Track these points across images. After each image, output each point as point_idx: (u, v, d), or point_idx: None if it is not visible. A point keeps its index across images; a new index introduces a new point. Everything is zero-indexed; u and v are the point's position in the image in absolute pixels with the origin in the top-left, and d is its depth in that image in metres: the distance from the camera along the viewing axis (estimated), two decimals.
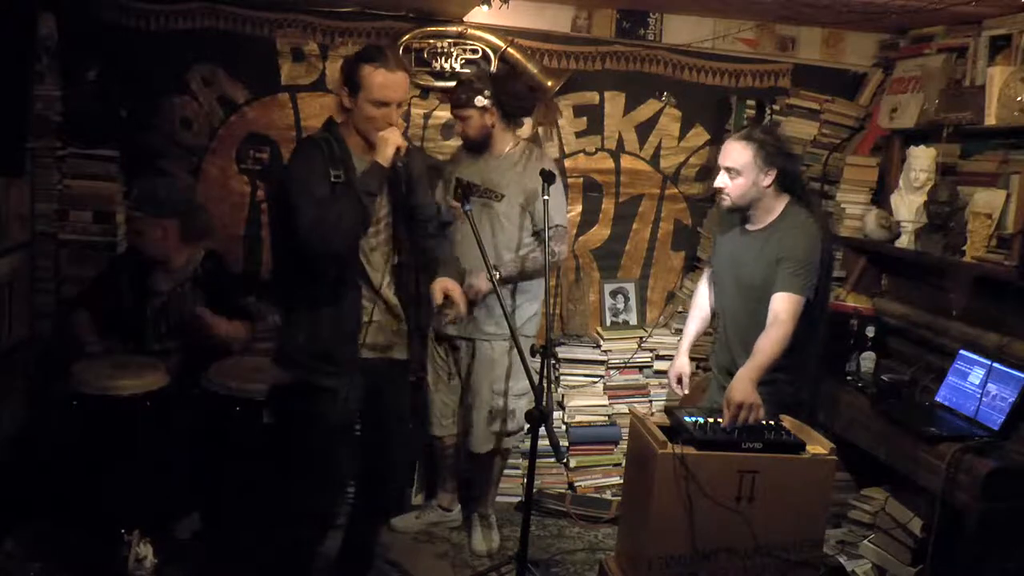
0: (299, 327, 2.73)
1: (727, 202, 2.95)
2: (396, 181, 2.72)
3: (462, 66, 3.92)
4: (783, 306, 2.81)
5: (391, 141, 2.58)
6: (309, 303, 2.70)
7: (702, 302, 3.25)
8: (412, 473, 3.91)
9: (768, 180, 2.88)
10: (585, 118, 4.14)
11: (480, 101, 3.44)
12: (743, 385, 2.69)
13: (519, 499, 4.01)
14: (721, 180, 2.94)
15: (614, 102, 4.15)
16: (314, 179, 2.59)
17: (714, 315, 3.23)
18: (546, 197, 3.30)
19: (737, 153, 2.88)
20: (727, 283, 3.07)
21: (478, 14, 3.83)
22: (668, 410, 2.93)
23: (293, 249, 2.63)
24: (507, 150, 3.54)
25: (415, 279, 2.83)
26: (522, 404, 3.59)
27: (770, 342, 2.77)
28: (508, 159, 3.53)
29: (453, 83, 3.71)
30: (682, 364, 3.14)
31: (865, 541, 3.37)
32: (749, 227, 2.99)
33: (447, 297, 2.72)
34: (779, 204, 2.94)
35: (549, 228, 3.39)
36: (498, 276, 3.34)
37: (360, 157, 2.66)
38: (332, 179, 2.59)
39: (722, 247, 3.11)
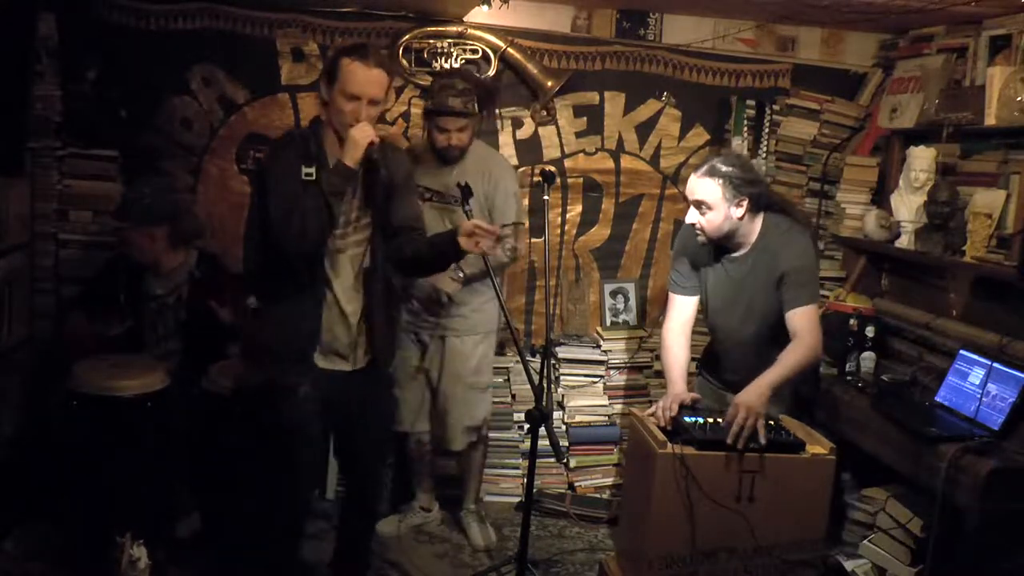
0: (262, 324, 2.71)
1: (701, 237, 2.91)
2: (374, 183, 2.66)
3: (462, 66, 3.92)
4: (802, 322, 2.82)
5: (360, 143, 2.51)
6: (272, 300, 2.68)
7: (678, 352, 3.04)
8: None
9: (741, 211, 2.84)
10: (585, 118, 4.14)
11: (473, 107, 3.38)
12: (757, 395, 2.67)
13: (519, 499, 4.01)
14: (693, 216, 2.89)
15: (614, 102, 4.15)
16: (284, 175, 2.55)
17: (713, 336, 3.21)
18: (546, 197, 3.30)
19: (703, 188, 2.83)
20: (728, 315, 3.02)
21: (478, 14, 3.83)
22: None
23: (263, 244, 2.62)
24: (471, 148, 3.49)
25: (384, 285, 2.78)
26: (487, 397, 3.65)
27: (797, 357, 2.78)
28: (472, 156, 3.49)
29: (428, 87, 3.53)
30: (682, 390, 2.94)
31: (865, 541, 3.37)
32: (734, 254, 2.95)
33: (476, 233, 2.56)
34: (756, 224, 2.92)
35: (507, 225, 3.47)
36: (462, 276, 3.39)
37: (334, 155, 2.60)
38: (304, 176, 2.55)
39: (707, 279, 3.04)
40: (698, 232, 2.91)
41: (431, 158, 3.49)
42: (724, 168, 2.83)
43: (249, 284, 3.48)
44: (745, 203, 2.84)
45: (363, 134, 2.52)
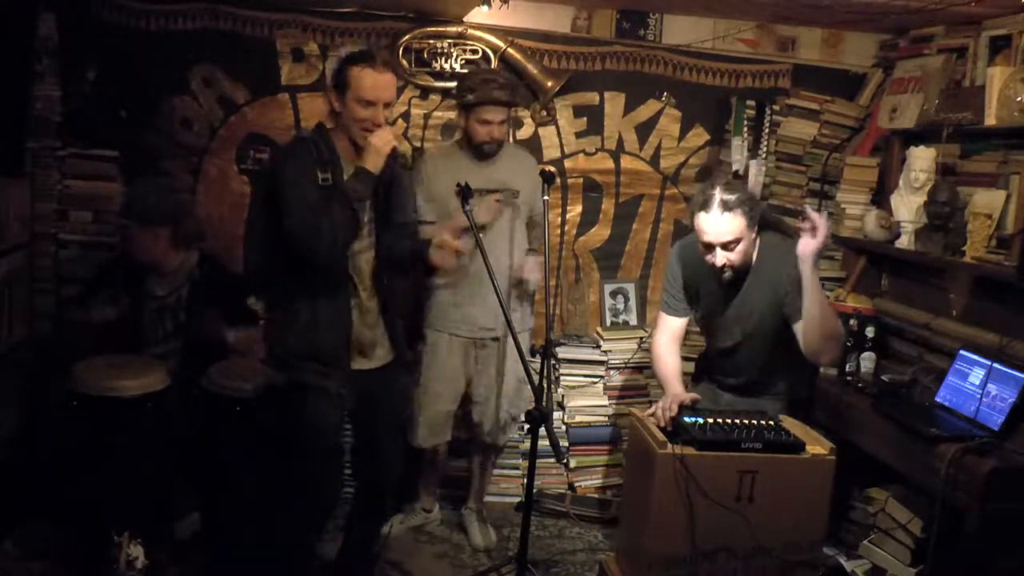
0: (289, 327, 2.72)
1: (730, 273, 2.87)
2: (378, 184, 2.69)
3: (462, 66, 3.92)
4: None
5: (382, 150, 2.56)
6: (299, 302, 2.69)
7: (670, 361, 3.06)
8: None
9: (755, 232, 2.86)
10: (585, 118, 4.14)
11: (514, 99, 3.42)
12: None
13: (519, 499, 4.01)
14: (721, 257, 2.82)
15: (614, 102, 4.15)
16: (301, 182, 2.57)
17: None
18: (545, 198, 3.30)
19: (730, 225, 2.78)
20: (727, 333, 3.03)
21: (478, 14, 3.83)
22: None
23: (283, 249, 2.62)
24: (505, 145, 3.52)
25: (390, 285, 2.83)
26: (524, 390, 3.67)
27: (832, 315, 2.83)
28: (509, 152, 3.54)
29: (462, 84, 3.52)
30: (681, 391, 2.96)
31: (865, 541, 3.37)
32: (729, 274, 2.93)
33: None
34: (756, 243, 2.93)
35: (538, 214, 3.52)
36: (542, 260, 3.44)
37: (348, 161, 2.64)
38: (320, 182, 2.58)
39: (705, 302, 3.04)
40: (727, 269, 2.85)
41: (466, 157, 3.47)
42: (732, 197, 2.78)
43: (249, 284, 3.51)
44: (757, 223, 2.85)
45: (384, 141, 2.57)
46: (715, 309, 3.03)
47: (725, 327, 3.02)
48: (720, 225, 2.78)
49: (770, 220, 3.02)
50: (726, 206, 2.76)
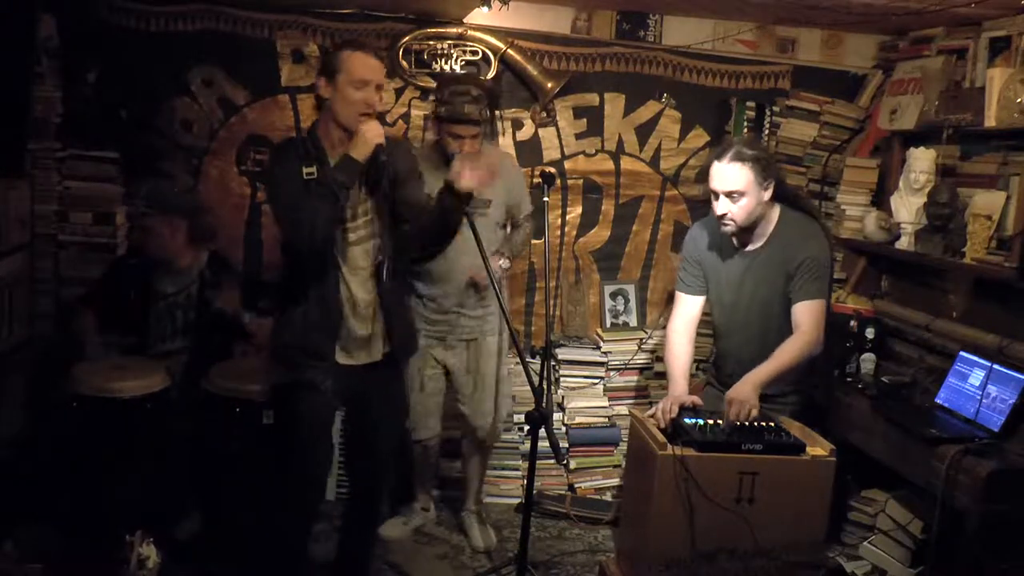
0: (285, 323, 2.74)
1: (732, 227, 2.87)
2: (379, 176, 2.69)
3: (462, 68, 3.92)
4: (806, 314, 2.83)
5: (370, 141, 2.56)
6: (292, 299, 2.71)
7: (681, 352, 3.04)
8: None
9: (769, 194, 2.85)
10: (585, 119, 4.15)
11: (486, 113, 3.35)
12: (745, 388, 2.72)
13: (519, 500, 4.01)
14: (723, 206, 2.83)
15: (614, 103, 4.15)
16: (285, 178, 2.61)
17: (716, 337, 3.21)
18: (546, 199, 3.29)
19: (736, 175, 2.80)
20: (736, 310, 3.01)
21: (478, 15, 3.83)
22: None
23: (281, 247, 2.72)
24: (483, 149, 3.46)
25: (396, 277, 2.81)
26: (512, 391, 3.70)
27: (792, 351, 2.79)
28: (486, 158, 3.47)
29: (437, 91, 3.46)
30: (683, 391, 2.95)
31: (865, 543, 3.37)
32: (748, 248, 2.94)
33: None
34: (773, 215, 2.92)
35: (523, 215, 3.52)
36: (508, 265, 3.42)
37: (334, 152, 2.64)
38: (305, 176, 2.59)
39: (719, 276, 3.04)
40: (727, 223, 2.86)
41: (442, 163, 3.37)
42: (750, 151, 2.81)
43: (251, 285, 3.52)
44: (772, 186, 2.84)
45: (374, 133, 2.57)
46: (729, 284, 3.02)
47: (736, 304, 3.00)
48: (727, 172, 2.81)
49: (792, 196, 3.01)
50: (739, 156, 2.80)
